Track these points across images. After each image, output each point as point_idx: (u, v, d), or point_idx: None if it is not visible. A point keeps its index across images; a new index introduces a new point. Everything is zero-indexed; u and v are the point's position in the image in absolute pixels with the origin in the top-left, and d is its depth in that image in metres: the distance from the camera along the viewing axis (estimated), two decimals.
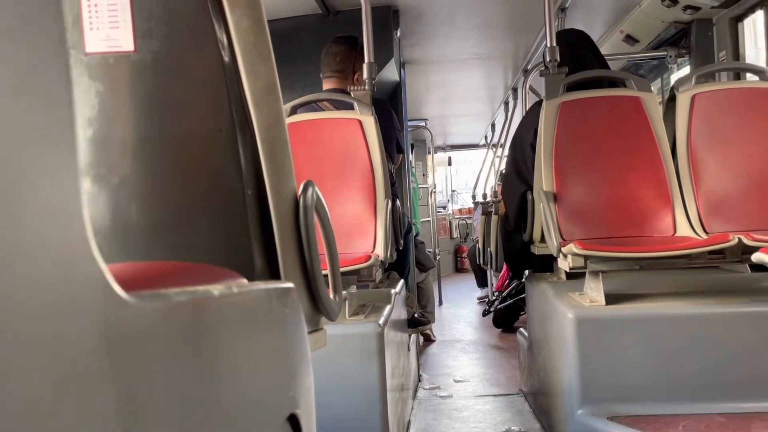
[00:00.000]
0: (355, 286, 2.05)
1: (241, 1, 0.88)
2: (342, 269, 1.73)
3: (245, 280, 0.68)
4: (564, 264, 1.97)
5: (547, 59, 2.30)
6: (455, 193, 10.60)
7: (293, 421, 0.69)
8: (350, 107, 2.39)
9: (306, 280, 0.95)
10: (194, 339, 0.43)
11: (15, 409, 0.26)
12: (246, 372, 0.54)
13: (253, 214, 0.90)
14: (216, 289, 0.50)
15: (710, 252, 1.85)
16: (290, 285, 0.80)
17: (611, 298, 1.83)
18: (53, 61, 0.30)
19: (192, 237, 0.90)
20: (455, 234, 8.92)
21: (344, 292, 1.83)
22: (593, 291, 1.88)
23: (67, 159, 0.31)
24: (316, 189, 0.98)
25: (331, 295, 1.05)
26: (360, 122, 2.35)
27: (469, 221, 8.22)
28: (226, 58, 0.89)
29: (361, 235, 2.22)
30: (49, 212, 0.29)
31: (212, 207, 0.91)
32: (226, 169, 0.90)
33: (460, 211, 9.53)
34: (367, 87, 2.46)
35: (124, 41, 0.85)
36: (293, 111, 2.43)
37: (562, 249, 1.94)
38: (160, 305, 0.40)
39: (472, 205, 8.19)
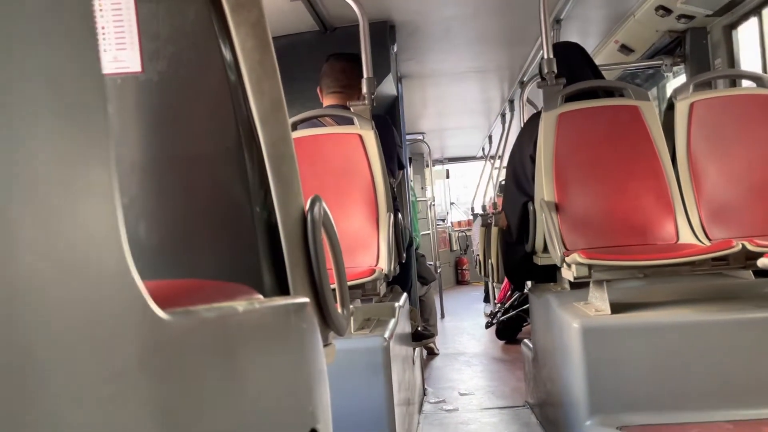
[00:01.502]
0: (359, 300, 2.05)
1: (246, 20, 0.89)
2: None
3: (261, 296, 0.68)
4: (568, 274, 1.97)
5: (545, 71, 2.32)
6: (453, 205, 10.62)
7: None
8: (351, 122, 2.40)
9: (315, 295, 0.95)
10: (222, 354, 0.44)
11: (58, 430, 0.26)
12: (270, 387, 0.54)
13: (261, 230, 0.90)
14: (240, 305, 0.50)
15: (714, 258, 1.85)
16: (306, 300, 0.80)
17: (616, 307, 1.82)
18: (90, 82, 0.31)
19: (201, 255, 0.90)
20: (455, 246, 8.91)
21: (351, 306, 1.83)
22: (598, 300, 1.88)
23: (104, 178, 0.32)
24: (324, 204, 0.98)
25: (339, 310, 1.05)
26: (360, 137, 2.36)
27: (468, 233, 8.22)
28: (232, 77, 0.89)
29: (364, 249, 2.22)
30: (89, 231, 0.30)
31: (220, 224, 0.91)
32: (233, 187, 0.90)
33: (459, 223, 9.54)
34: (366, 102, 2.47)
35: (132, 62, 0.86)
36: (293, 127, 2.44)
37: (566, 259, 1.94)
38: (192, 322, 0.40)
39: (470, 218, 8.19)
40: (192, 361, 0.39)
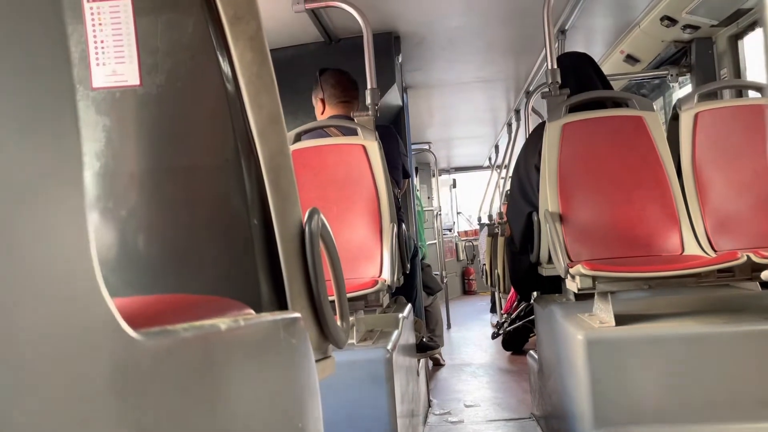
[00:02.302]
0: (362, 312, 2.04)
1: (245, 33, 0.90)
2: (349, 295, 1.72)
3: (252, 311, 0.68)
4: (572, 285, 1.95)
5: (549, 81, 2.32)
6: (459, 215, 10.60)
7: None
8: (356, 132, 2.41)
9: (313, 308, 0.95)
10: (202, 374, 0.43)
11: None
12: (254, 405, 0.53)
13: (259, 242, 0.90)
14: (223, 322, 0.50)
15: (719, 270, 1.83)
16: (297, 315, 0.80)
17: (621, 319, 1.81)
18: (60, 98, 0.30)
19: (199, 267, 0.90)
20: (462, 256, 8.89)
21: (351, 318, 1.82)
22: (602, 312, 1.86)
23: (74, 196, 0.31)
24: (321, 216, 0.98)
25: (339, 322, 1.05)
26: (364, 147, 2.36)
27: (475, 243, 8.21)
28: (231, 90, 0.90)
29: (367, 260, 2.21)
30: (56, 251, 0.30)
31: (218, 237, 0.91)
32: (231, 199, 0.91)
33: (466, 233, 9.52)
34: (370, 112, 2.48)
35: (130, 76, 0.86)
36: (298, 138, 2.45)
37: (570, 270, 1.93)
38: (168, 342, 0.40)
39: (477, 227, 8.18)
40: (168, 381, 0.38)
